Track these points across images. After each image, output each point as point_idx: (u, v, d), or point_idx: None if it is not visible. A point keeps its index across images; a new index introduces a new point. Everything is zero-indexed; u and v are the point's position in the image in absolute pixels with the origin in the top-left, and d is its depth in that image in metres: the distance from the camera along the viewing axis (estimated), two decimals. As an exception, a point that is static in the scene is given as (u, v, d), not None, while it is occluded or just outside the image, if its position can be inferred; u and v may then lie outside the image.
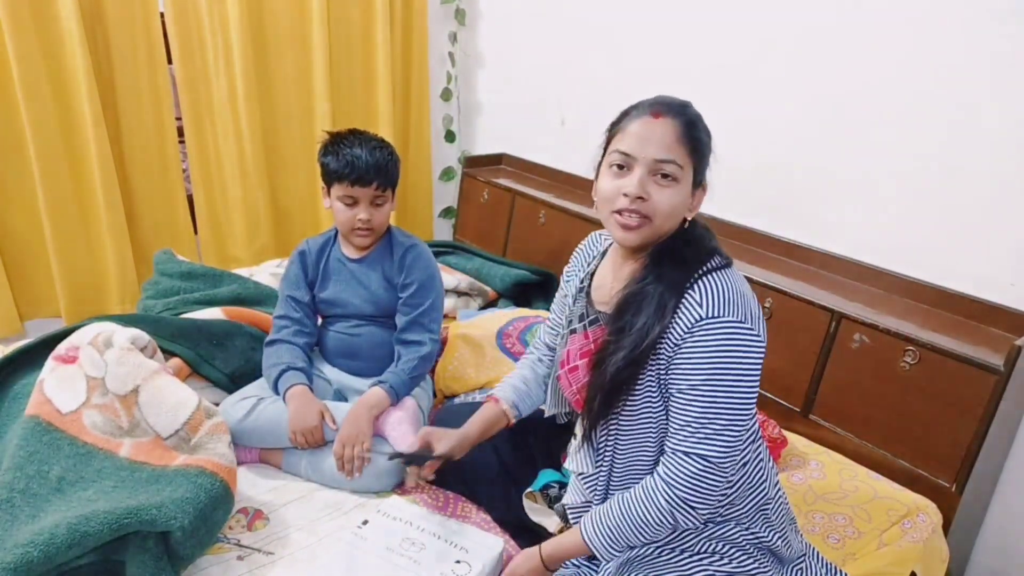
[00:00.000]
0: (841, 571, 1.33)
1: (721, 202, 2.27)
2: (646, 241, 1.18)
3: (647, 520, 1.16)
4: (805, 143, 2.06)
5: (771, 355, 1.90)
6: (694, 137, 1.15)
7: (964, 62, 1.70)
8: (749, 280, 1.95)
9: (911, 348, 1.66)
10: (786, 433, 1.81)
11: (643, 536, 1.17)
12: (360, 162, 1.70)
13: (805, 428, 1.89)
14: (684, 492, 1.13)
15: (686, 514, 1.14)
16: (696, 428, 1.12)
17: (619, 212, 1.15)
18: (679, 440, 1.14)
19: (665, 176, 1.13)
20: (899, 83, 1.82)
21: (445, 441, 1.43)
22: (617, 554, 1.20)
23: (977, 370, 1.56)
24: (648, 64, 2.45)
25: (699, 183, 1.19)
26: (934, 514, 1.60)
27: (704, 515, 1.16)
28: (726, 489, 1.20)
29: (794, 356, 1.89)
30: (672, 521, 1.15)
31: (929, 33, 1.75)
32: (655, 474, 1.17)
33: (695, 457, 1.12)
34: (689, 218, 1.20)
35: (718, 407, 1.10)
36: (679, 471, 1.13)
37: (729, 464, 1.13)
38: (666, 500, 1.14)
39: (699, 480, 1.12)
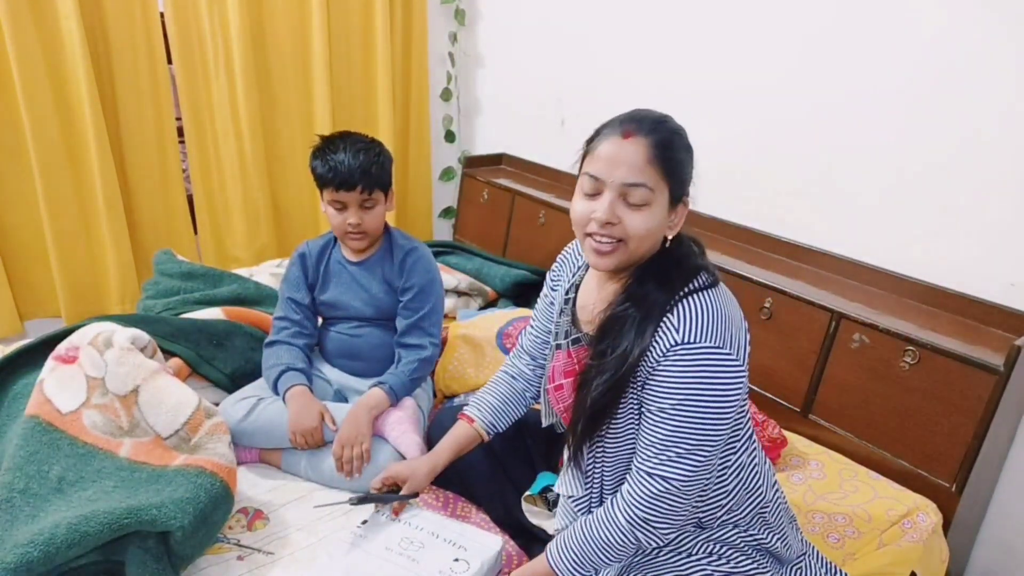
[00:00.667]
0: (841, 571, 1.33)
1: (721, 202, 2.28)
2: (621, 265, 1.15)
3: (608, 541, 1.14)
4: (805, 143, 2.06)
5: (771, 355, 1.93)
6: (666, 157, 1.09)
7: (964, 63, 1.70)
8: (749, 280, 1.97)
9: (911, 348, 1.66)
10: (786, 433, 1.81)
11: (607, 557, 1.15)
12: (343, 167, 1.68)
13: (805, 428, 1.89)
14: (644, 512, 1.12)
15: (646, 533, 1.13)
16: (660, 450, 1.10)
17: (591, 235, 1.13)
18: (643, 460, 1.12)
19: (636, 200, 1.10)
20: (899, 83, 1.82)
21: (413, 481, 1.40)
22: (583, 573, 1.17)
23: (977, 370, 1.56)
24: (648, 65, 2.45)
25: (679, 199, 1.14)
26: (934, 514, 1.60)
27: (666, 534, 1.15)
28: (723, 500, 1.20)
29: (794, 356, 1.89)
30: (633, 540, 1.13)
31: (929, 34, 1.75)
32: (618, 493, 1.16)
33: (657, 478, 1.10)
34: (670, 236, 1.15)
35: (685, 431, 1.08)
36: (640, 491, 1.12)
37: (693, 486, 1.11)
38: (626, 520, 1.13)
39: (659, 501, 1.11)
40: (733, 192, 2.24)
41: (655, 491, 1.11)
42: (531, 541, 1.48)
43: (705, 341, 1.07)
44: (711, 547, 1.22)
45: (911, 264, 1.88)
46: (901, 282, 1.89)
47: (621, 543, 1.14)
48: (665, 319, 1.10)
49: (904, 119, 1.83)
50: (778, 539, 1.25)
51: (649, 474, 1.11)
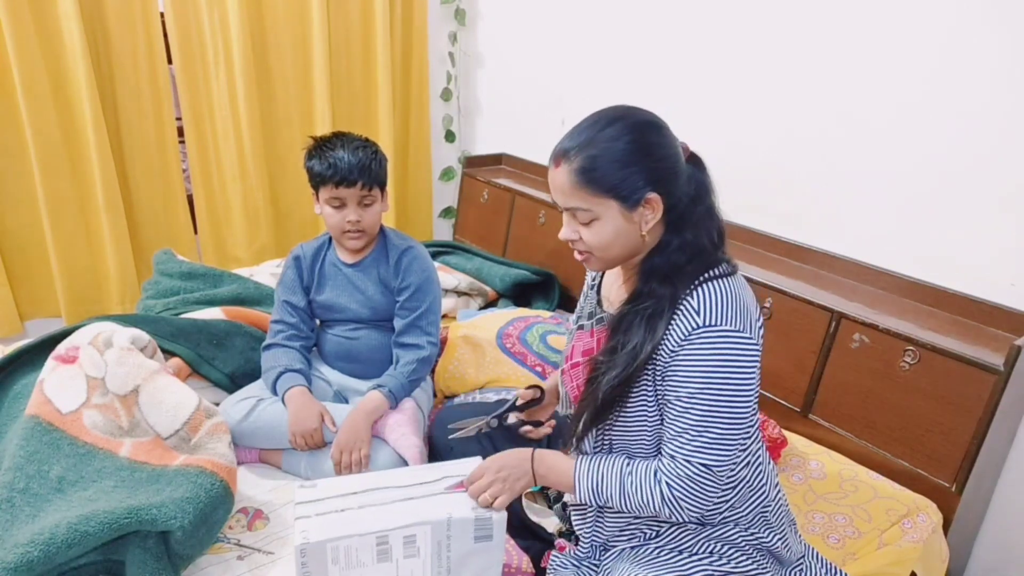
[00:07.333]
0: (841, 571, 1.33)
1: (722, 203, 2.27)
2: (606, 267, 1.21)
3: (638, 499, 1.16)
4: (805, 143, 2.06)
5: (771, 355, 1.92)
6: (592, 179, 1.09)
7: (964, 62, 1.70)
8: (749, 280, 1.96)
9: (911, 348, 1.66)
10: (786, 433, 1.81)
11: (627, 505, 1.18)
12: (343, 163, 1.69)
13: (805, 428, 1.88)
14: (679, 493, 1.13)
15: (675, 512, 1.14)
16: (694, 436, 1.11)
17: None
18: (678, 446, 1.13)
19: (582, 218, 1.14)
20: (899, 83, 1.82)
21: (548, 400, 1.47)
22: (596, 501, 1.19)
23: (977, 370, 1.56)
24: (648, 64, 2.45)
25: (636, 201, 1.10)
26: (934, 514, 1.60)
27: (693, 517, 1.16)
28: (725, 493, 1.20)
29: (794, 356, 1.89)
30: (657, 511, 1.15)
31: (929, 34, 1.75)
32: (657, 468, 1.16)
33: (695, 464, 1.11)
34: (644, 233, 1.13)
35: (715, 415, 1.10)
36: (680, 472, 1.13)
37: (727, 471, 1.13)
38: (661, 495, 1.14)
39: (695, 484, 1.12)
40: (732, 192, 2.22)
41: (692, 474, 1.12)
42: (532, 539, 1.48)
43: (725, 324, 1.09)
44: (712, 546, 1.22)
45: (911, 264, 1.88)
46: (901, 282, 1.88)
47: (646, 505, 1.16)
48: (683, 306, 1.12)
49: (907, 121, 1.83)
50: (779, 539, 1.25)
51: (687, 460, 1.12)
